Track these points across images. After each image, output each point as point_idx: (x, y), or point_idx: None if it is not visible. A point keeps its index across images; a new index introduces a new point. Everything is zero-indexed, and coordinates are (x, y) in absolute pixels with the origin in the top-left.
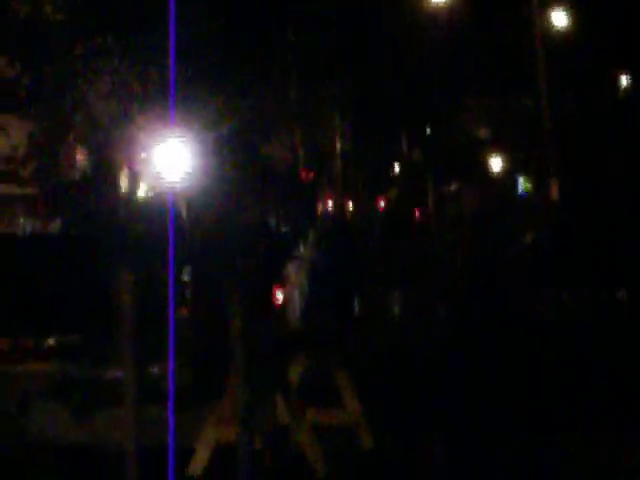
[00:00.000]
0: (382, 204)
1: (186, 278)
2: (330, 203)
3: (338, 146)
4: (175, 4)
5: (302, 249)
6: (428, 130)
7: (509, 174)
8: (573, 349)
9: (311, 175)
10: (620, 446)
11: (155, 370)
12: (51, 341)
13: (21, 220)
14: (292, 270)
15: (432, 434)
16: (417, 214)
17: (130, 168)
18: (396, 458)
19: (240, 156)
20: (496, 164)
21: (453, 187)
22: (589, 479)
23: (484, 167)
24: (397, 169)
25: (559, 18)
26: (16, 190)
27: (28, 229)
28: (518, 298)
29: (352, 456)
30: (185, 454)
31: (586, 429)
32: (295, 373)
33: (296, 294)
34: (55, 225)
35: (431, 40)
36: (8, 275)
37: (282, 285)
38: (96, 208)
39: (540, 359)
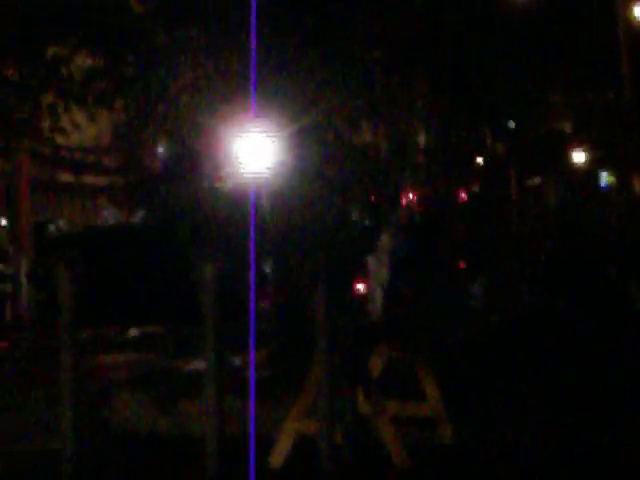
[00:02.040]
0: (464, 196)
1: (268, 270)
2: (412, 196)
3: (421, 139)
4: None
5: (384, 241)
6: (512, 123)
7: (592, 168)
8: None
9: (394, 168)
10: None
11: (237, 361)
12: (134, 332)
13: (105, 210)
14: (374, 262)
15: (514, 429)
16: (499, 206)
17: (213, 159)
18: (476, 452)
19: (322, 148)
20: (579, 158)
21: (536, 181)
22: None
23: (567, 161)
24: (480, 162)
25: None
26: (100, 180)
27: (112, 219)
28: (610, 288)
29: (433, 449)
30: (266, 445)
31: None
32: (376, 365)
33: (378, 286)
34: (139, 215)
35: (516, 33)
36: (91, 265)
37: (364, 277)
38: (178, 199)
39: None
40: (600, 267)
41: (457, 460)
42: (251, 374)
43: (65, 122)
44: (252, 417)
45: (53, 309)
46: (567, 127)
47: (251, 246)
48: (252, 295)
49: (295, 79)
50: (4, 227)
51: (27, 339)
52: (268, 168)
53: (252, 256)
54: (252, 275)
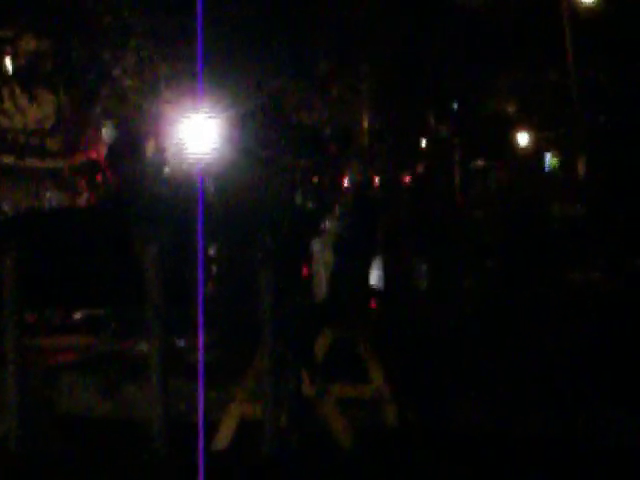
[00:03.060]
0: (408, 179)
1: (212, 253)
2: (356, 178)
3: (365, 120)
4: None
5: (328, 224)
6: (455, 105)
7: (536, 150)
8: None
9: (337, 149)
10: None
11: (182, 344)
12: (78, 314)
13: (48, 194)
14: (318, 245)
15: (458, 409)
16: (443, 189)
17: (157, 142)
18: (420, 434)
19: (266, 131)
20: (523, 140)
21: (480, 163)
22: None
23: (511, 143)
24: (424, 144)
25: None
26: (44, 164)
27: (54, 203)
28: (552, 271)
29: (377, 430)
30: (211, 428)
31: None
32: (321, 347)
33: (322, 268)
34: (82, 199)
35: (459, 13)
36: (35, 249)
37: (308, 260)
38: (123, 181)
39: (570, 330)
40: (541, 251)
41: (401, 442)
42: (200, 356)
43: (8, 104)
44: (201, 399)
45: None
46: (511, 108)
47: (199, 228)
48: (200, 277)
49: (240, 62)
50: None
51: None
52: (212, 150)
53: (201, 238)
54: (200, 256)
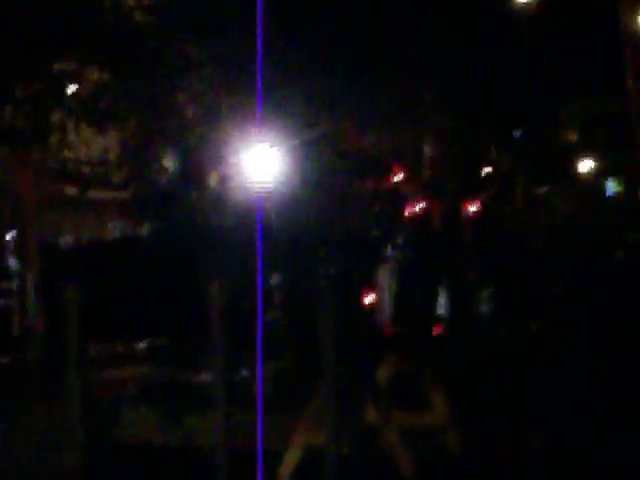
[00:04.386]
0: (472, 208)
1: (275, 282)
2: (419, 207)
3: (427, 149)
4: (262, 13)
5: (391, 252)
6: (518, 133)
7: (598, 177)
8: None
9: (400, 179)
10: None
11: (246, 373)
12: (142, 345)
13: (110, 224)
14: (382, 273)
15: (522, 438)
16: (507, 216)
17: (219, 172)
18: (483, 462)
19: (328, 160)
20: (585, 167)
21: (542, 190)
22: None
23: (573, 170)
24: (487, 172)
25: None
26: (106, 194)
27: (117, 233)
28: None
29: (440, 459)
30: (275, 458)
31: None
32: (384, 375)
33: (386, 297)
34: (145, 229)
35: (520, 45)
36: (98, 279)
37: (372, 288)
38: (186, 212)
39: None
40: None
41: (463, 470)
42: (258, 386)
43: (73, 137)
44: (260, 430)
45: (60, 323)
46: (573, 136)
47: (259, 258)
48: (260, 307)
49: (301, 92)
50: (9, 242)
51: (34, 354)
52: (274, 179)
53: (260, 267)
54: (259, 286)
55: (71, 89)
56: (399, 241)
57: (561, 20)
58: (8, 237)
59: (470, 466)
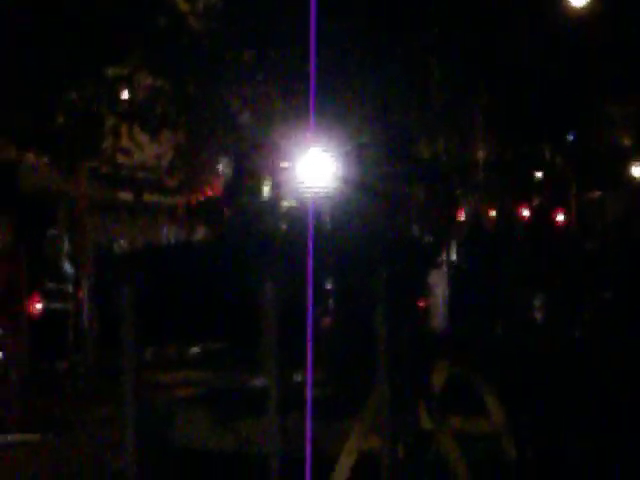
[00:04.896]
0: (524, 212)
1: (330, 287)
2: (471, 211)
3: (480, 154)
4: (316, 19)
5: (445, 257)
6: (571, 137)
7: None
8: None
9: (454, 182)
10: None
11: (299, 378)
12: (196, 349)
13: (165, 229)
14: (435, 277)
15: (577, 443)
16: (560, 221)
17: (273, 177)
18: (539, 468)
19: (383, 164)
20: (638, 171)
21: (595, 194)
22: None
23: (627, 175)
24: (539, 176)
25: None
26: (161, 199)
27: (172, 238)
28: None
29: (495, 465)
30: (330, 462)
31: None
32: (438, 380)
33: (440, 301)
34: (198, 234)
35: (573, 46)
36: (153, 284)
37: (426, 293)
38: (239, 217)
39: None
40: None
41: (519, 475)
42: (308, 391)
43: (126, 142)
44: (309, 433)
45: (115, 328)
46: (627, 140)
47: (309, 263)
48: (310, 312)
49: (355, 97)
50: (64, 246)
51: (90, 358)
52: (328, 184)
53: (310, 272)
54: (310, 292)
55: (125, 94)
56: (453, 246)
57: (615, 19)
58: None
59: (525, 472)
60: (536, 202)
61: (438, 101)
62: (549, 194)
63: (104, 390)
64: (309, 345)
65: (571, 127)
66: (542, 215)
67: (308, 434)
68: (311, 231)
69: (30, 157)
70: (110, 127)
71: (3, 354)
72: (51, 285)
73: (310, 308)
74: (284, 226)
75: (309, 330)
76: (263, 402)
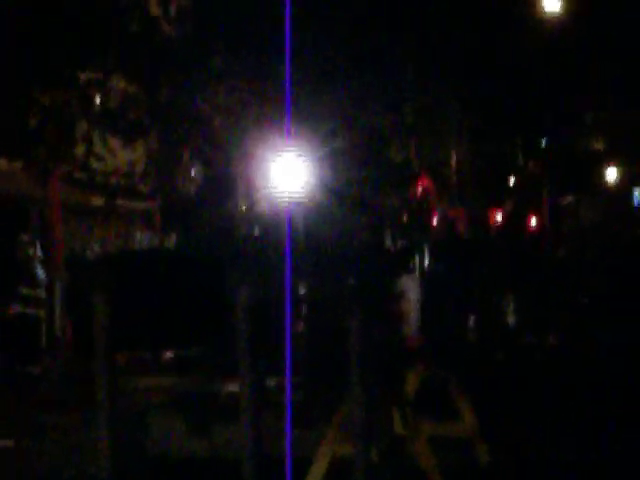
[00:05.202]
0: (498, 216)
1: (302, 292)
2: (444, 215)
3: (453, 157)
4: (292, 24)
5: (418, 261)
6: (544, 142)
7: (624, 186)
8: None
9: (426, 188)
10: None
11: (272, 384)
12: (168, 355)
13: (138, 234)
14: (408, 282)
15: (551, 449)
16: (532, 225)
17: (246, 182)
18: (512, 473)
19: (356, 169)
20: (612, 175)
21: (569, 199)
22: None
23: (599, 179)
24: (512, 181)
25: None
26: (133, 205)
27: (144, 243)
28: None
29: (468, 469)
30: (303, 468)
31: None
32: (412, 385)
33: (413, 306)
34: (171, 239)
35: (547, 52)
36: (126, 289)
37: (398, 298)
38: (213, 222)
39: None
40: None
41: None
42: (287, 395)
43: (99, 148)
44: (288, 440)
45: (88, 333)
46: (599, 145)
47: (287, 267)
48: (288, 316)
49: (329, 101)
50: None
51: (62, 363)
52: (301, 189)
53: (288, 276)
54: (288, 296)
55: (97, 100)
56: (426, 250)
57: (590, 27)
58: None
59: (498, 477)
60: (509, 206)
61: (413, 103)
62: (522, 198)
63: (77, 395)
64: (287, 350)
65: (545, 132)
66: (515, 219)
67: (288, 438)
68: (288, 236)
69: (2, 162)
70: (82, 132)
71: None
72: (24, 290)
73: (288, 312)
74: (257, 231)
75: (287, 334)
76: (237, 407)
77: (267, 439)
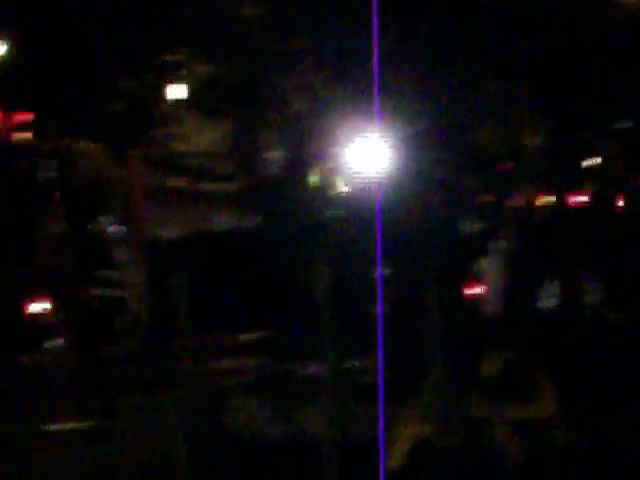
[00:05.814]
0: (580, 198)
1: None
2: (527, 197)
3: (534, 140)
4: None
5: (497, 243)
6: (624, 123)
7: None
8: None
9: (507, 169)
10: None
11: (355, 364)
12: (251, 336)
13: (218, 216)
14: (489, 263)
15: (631, 430)
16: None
17: (326, 163)
18: (591, 455)
19: (439, 151)
20: None
21: None
22: None
23: None
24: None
25: None
26: (213, 186)
27: (224, 225)
28: None
29: (547, 450)
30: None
31: None
32: (492, 367)
33: (493, 288)
34: (252, 221)
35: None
36: (206, 270)
37: (478, 279)
38: (292, 204)
39: None
40: None
41: (571, 462)
42: (379, 377)
43: (180, 129)
44: (381, 421)
45: (168, 315)
46: None
47: (379, 250)
48: (380, 297)
49: (415, 82)
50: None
51: (142, 345)
52: (385, 171)
53: (379, 257)
54: (379, 277)
55: (179, 81)
56: (504, 233)
57: None
58: (115, 228)
59: (578, 457)
60: (595, 188)
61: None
62: (602, 182)
63: (157, 377)
64: (379, 331)
65: (625, 112)
66: (602, 201)
67: (381, 420)
68: (379, 218)
69: (82, 144)
70: (163, 114)
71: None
72: (104, 272)
73: (380, 293)
74: (337, 213)
75: (379, 315)
76: (317, 389)
77: (347, 420)
